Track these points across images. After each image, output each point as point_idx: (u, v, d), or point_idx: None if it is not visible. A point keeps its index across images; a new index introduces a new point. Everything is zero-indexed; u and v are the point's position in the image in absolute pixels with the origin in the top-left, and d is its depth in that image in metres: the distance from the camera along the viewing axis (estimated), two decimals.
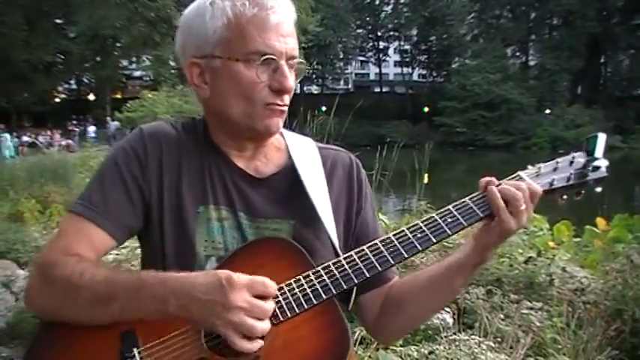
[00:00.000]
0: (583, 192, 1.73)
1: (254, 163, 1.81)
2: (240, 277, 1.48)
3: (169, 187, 1.73)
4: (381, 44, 79.19)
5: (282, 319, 1.54)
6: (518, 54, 75.78)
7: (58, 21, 57.02)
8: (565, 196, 1.73)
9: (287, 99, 1.72)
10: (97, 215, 1.67)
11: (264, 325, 1.48)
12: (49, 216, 9.40)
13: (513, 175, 1.70)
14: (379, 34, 78.33)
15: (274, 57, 1.65)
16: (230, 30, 1.65)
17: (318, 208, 1.75)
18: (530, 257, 4.97)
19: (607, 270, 4.91)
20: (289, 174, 1.80)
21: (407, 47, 79.58)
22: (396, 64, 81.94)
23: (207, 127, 1.81)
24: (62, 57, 58.08)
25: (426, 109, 67.57)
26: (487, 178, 1.68)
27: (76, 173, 15.00)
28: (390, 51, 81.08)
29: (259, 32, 1.64)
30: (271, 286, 1.51)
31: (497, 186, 1.64)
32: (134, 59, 59.30)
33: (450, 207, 1.66)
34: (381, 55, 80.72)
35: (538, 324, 4.03)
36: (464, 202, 1.66)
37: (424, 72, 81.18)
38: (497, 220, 1.62)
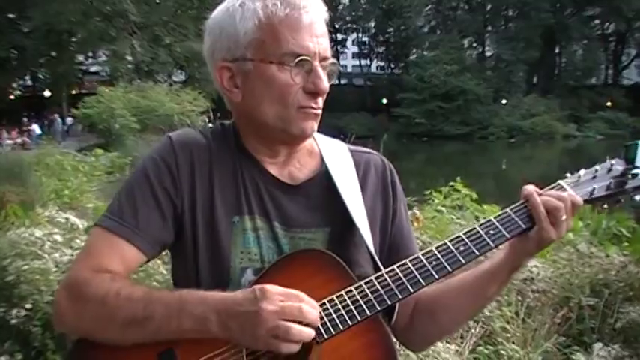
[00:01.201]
0: (622, 200, 1.72)
1: (287, 170, 1.76)
2: (275, 287, 1.46)
3: (202, 199, 1.68)
4: (339, 36, 78.99)
5: (326, 336, 1.50)
6: (474, 45, 76.33)
7: (11, 15, 55.88)
8: (605, 205, 1.74)
9: (321, 101, 1.68)
10: (127, 231, 1.62)
11: (301, 327, 1.44)
12: (4, 217, 9.26)
13: (554, 185, 1.67)
14: (337, 26, 78.09)
15: (308, 58, 1.61)
16: (262, 31, 1.61)
17: (353, 215, 1.71)
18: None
19: (555, 259, 5.03)
20: (323, 180, 1.76)
21: (365, 39, 79.66)
22: (355, 56, 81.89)
23: (238, 133, 1.76)
24: (16, 52, 56.95)
25: (385, 101, 67.80)
26: (529, 188, 1.65)
27: (32, 172, 14.77)
28: (349, 43, 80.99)
29: (292, 33, 1.60)
30: (306, 298, 1.47)
31: (539, 196, 1.62)
32: (90, 54, 58.52)
33: (491, 218, 1.63)
34: (339, 48, 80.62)
35: (488, 313, 4.09)
36: (505, 213, 1.63)
37: (382, 64, 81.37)
38: (537, 229, 1.60)
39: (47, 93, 56.39)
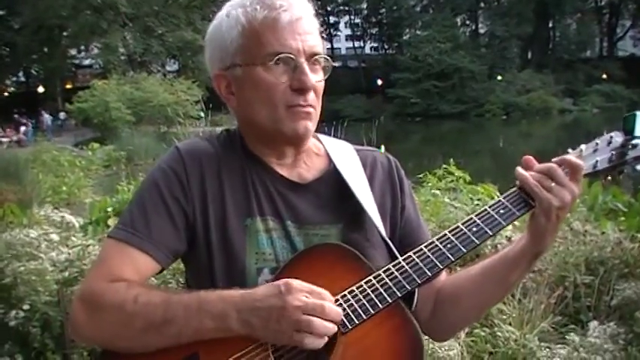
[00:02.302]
0: (625, 170, 1.74)
1: (296, 171, 1.77)
2: (300, 283, 1.47)
3: (213, 205, 1.68)
4: (332, 19, 78.68)
5: (350, 327, 1.52)
6: (467, 23, 76.05)
7: (1, 12, 55.69)
8: (609, 177, 1.74)
9: (311, 98, 1.68)
10: (140, 240, 1.62)
11: (324, 322, 1.45)
12: (1, 216, 9.27)
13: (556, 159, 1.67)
14: (329, 8, 77.73)
15: (291, 56, 1.63)
16: (245, 37, 1.65)
17: (365, 208, 1.73)
18: None
19: None
20: (332, 178, 1.77)
21: (358, 21, 79.35)
22: (348, 38, 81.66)
23: (243, 137, 1.78)
24: (7, 49, 56.81)
25: (380, 82, 67.63)
26: (527, 159, 1.66)
27: (28, 169, 14.79)
28: (341, 25, 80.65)
29: (272, 33, 1.62)
30: (330, 296, 1.49)
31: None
32: (82, 48, 58.34)
33: (501, 198, 1.65)
34: (331, 30, 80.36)
35: None
36: (514, 191, 1.65)
37: (376, 45, 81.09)
38: (537, 202, 1.60)
39: (41, 89, 56.26)
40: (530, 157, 1.67)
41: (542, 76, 62.71)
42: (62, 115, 44.56)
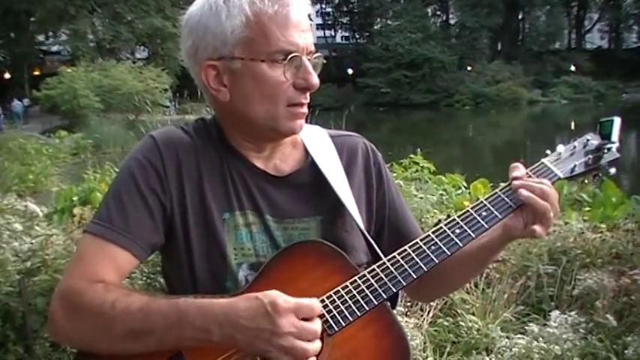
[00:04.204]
0: (600, 175, 1.78)
1: (272, 162, 1.74)
2: (286, 302, 1.43)
3: (192, 197, 1.65)
4: None
5: (336, 329, 1.51)
6: (438, 13, 76.46)
7: None
8: (586, 181, 1.76)
9: (308, 96, 1.67)
10: (118, 236, 1.58)
11: (316, 346, 1.45)
12: None
13: (537, 164, 1.71)
14: None
15: (298, 54, 1.59)
16: (250, 29, 1.57)
17: (343, 201, 1.71)
18: (439, 220, 5.08)
19: None
20: (310, 169, 1.75)
21: (329, 10, 79.30)
22: (319, 27, 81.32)
23: (221, 128, 1.73)
24: None
25: (351, 71, 67.67)
26: (514, 171, 1.67)
27: None
28: (312, 14, 80.00)
29: (282, 30, 1.57)
30: (318, 308, 1.47)
31: (526, 179, 1.65)
32: (50, 34, 57.56)
33: (483, 200, 1.66)
34: None
35: None
36: (495, 194, 1.66)
37: (347, 34, 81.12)
38: (531, 210, 1.62)
39: (7, 75, 55.42)
40: (518, 164, 1.68)
41: (511, 67, 63.26)
42: (25, 101, 43.91)
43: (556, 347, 3.44)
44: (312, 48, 1.64)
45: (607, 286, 4.04)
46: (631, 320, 3.95)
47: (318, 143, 1.80)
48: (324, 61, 1.73)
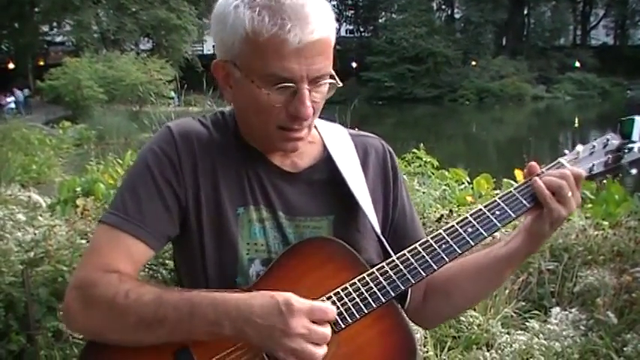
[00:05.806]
0: (620, 174, 1.76)
1: (290, 159, 1.72)
2: (300, 303, 1.43)
3: (206, 190, 1.64)
4: None
5: (343, 326, 1.51)
6: (443, 7, 76.07)
7: None
8: (604, 181, 1.74)
9: (306, 123, 1.60)
10: (133, 226, 1.58)
11: (324, 350, 1.44)
12: None
13: (554, 163, 1.68)
14: None
15: (291, 84, 1.52)
16: (248, 45, 1.52)
17: (358, 199, 1.69)
18: (442, 215, 5.10)
19: (516, 224, 5.08)
20: (326, 166, 1.73)
21: (334, 3, 79.11)
22: None
23: (238, 124, 1.72)
24: None
25: (355, 65, 67.52)
26: (531, 166, 1.66)
27: None
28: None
29: (277, 55, 1.50)
30: (331, 311, 1.47)
31: (541, 175, 1.63)
32: (55, 25, 57.49)
33: (496, 199, 1.64)
34: None
35: None
36: (510, 192, 1.64)
37: (351, 27, 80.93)
38: (546, 211, 1.60)
39: (12, 65, 55.40)
40: (534, 164, 1.67)
41: (515, 63, 62.98)
42: (26, 91, 43.93)
43: (556, 344, 3.46)
44: (322, 72, 1.57)
45: (608, 283, 4.06)
46: (631, 318, 3.97)
47: (337, 140, 1.79)
48: (340, 84, 1.67)
